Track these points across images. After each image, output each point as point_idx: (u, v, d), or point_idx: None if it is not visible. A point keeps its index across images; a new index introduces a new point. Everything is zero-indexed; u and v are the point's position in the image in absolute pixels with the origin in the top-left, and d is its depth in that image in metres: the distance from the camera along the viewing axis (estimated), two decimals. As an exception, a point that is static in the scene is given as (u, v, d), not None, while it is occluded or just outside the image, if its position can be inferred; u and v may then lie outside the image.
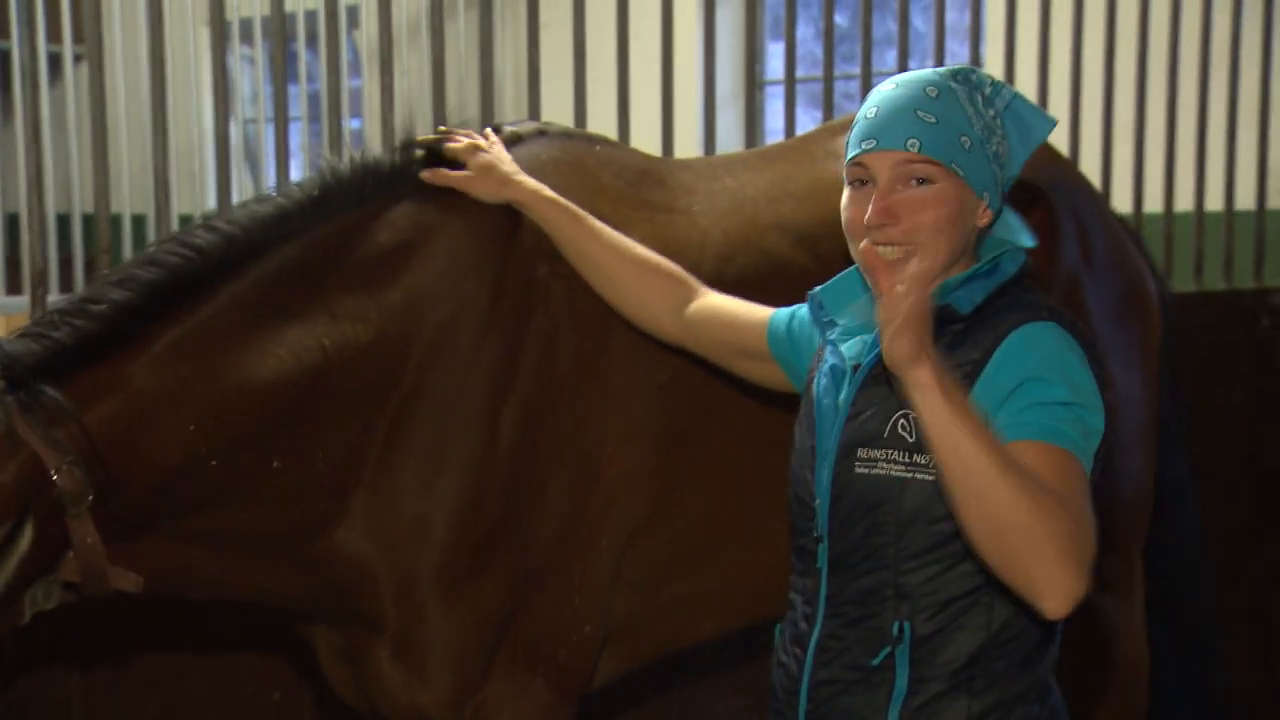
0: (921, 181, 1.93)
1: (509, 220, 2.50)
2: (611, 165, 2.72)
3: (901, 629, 1.92)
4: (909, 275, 1.82)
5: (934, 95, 1.95)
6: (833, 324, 2.10)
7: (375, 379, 2.36)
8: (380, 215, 2.41)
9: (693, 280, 2.43)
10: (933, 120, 1.93)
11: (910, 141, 1.93)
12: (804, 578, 2.06)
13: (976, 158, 1.94)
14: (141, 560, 2.20)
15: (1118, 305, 3.19)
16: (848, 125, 2.11)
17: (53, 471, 2.04)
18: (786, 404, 2.69)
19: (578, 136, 2.80)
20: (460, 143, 2.48)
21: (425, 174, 2.45)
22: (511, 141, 2.61)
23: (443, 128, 2.59)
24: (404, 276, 2.39)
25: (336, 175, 2.41)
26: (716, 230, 2.73)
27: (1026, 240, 2.01)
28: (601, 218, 2.56)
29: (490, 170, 2.45)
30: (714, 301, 2.40)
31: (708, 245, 2.69)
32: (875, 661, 1.94)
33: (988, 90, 1.99)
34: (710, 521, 2.68)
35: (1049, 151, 3.35)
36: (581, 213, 2.46)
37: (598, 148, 2.76)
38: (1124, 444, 3.11)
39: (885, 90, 2.00)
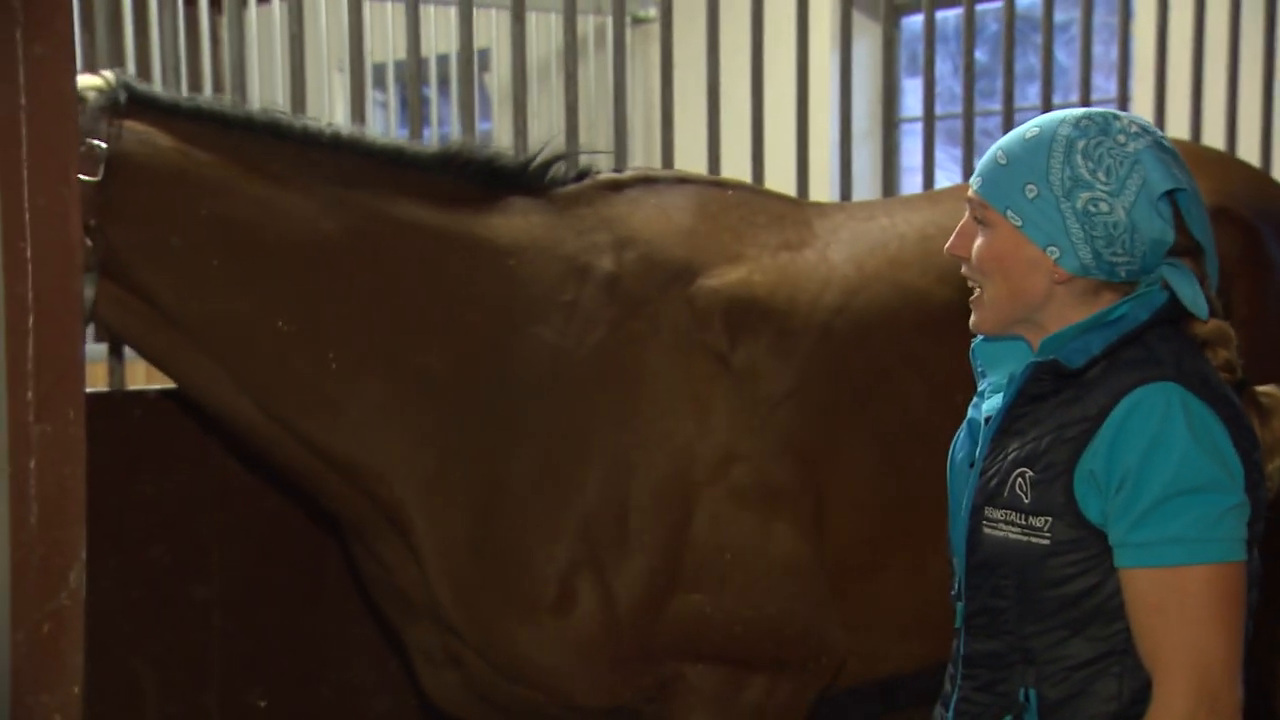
0: (981, 223, 1.92)
1: (584, 251, 2.58)
2: (740, 209, 2.76)
3: (1027, 695, 1.87)
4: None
5: (1030, 137, 1.88)
6: (984, 376, 2.05)
7: (413, 332, 2.48)
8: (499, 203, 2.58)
9: None
10: (1004, 163, 1.89)
11: (977, 180, 1.92)
12: (954, 637, 2.02)
13: (1043, 210, 1.85)
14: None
15: None
16: None
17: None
18: (914, 434, 2.65)
19: (700, 181, 2.85)
20: None
21: None
22: (611, 186, 2.68)
23: None
24: (476, 267, 2.53)
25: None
26: (848, 265, 2.75)
27: (1199, 311, 1.86)
28: (703, 258, 2.64)
29: None
30: None
31: (833, 279, 2.72)
32: None
33: (1125, 141, 1.84)
34: (848, 548, 2.68)
35: (1256, 177, 3.24)
36: None
37: (730, 193, 2.80)
38: None
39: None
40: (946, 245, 1.97)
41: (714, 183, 2.86)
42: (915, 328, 2.73)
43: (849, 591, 2.69)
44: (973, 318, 1.97)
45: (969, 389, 2.15)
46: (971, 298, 1.96)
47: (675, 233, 2.65)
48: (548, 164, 2.66)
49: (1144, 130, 1.87)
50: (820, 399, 2.63)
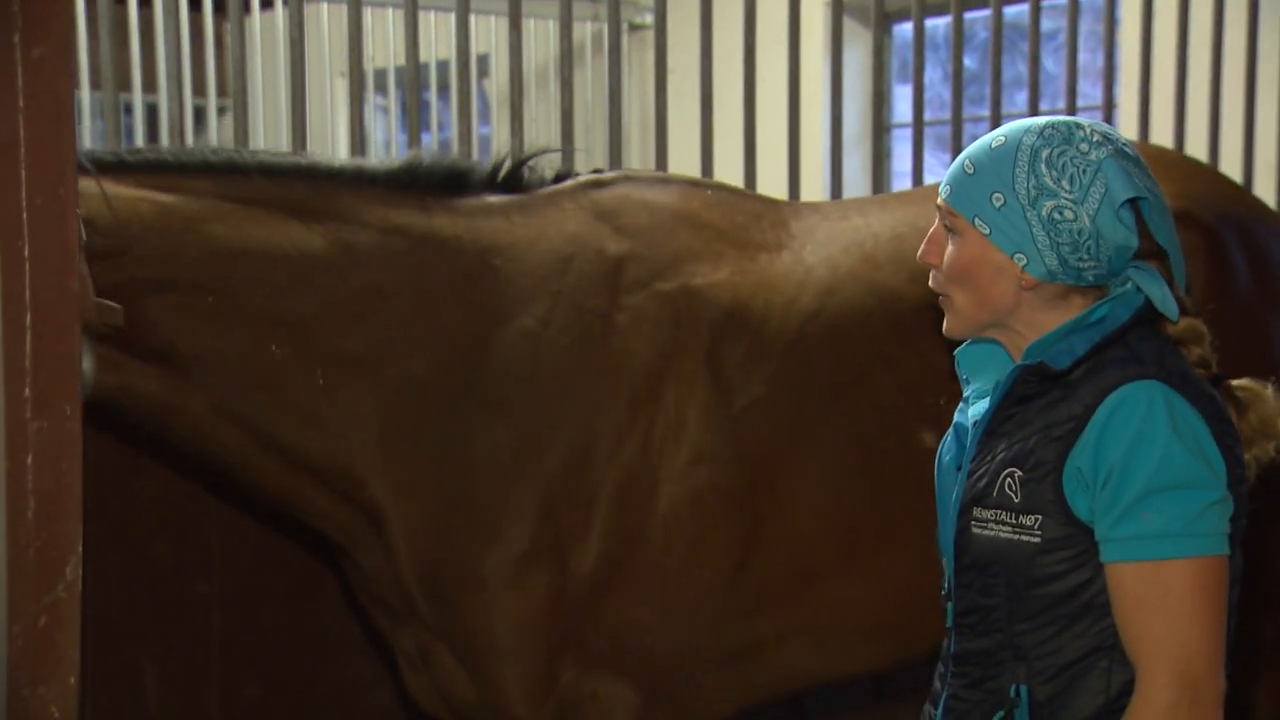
0: (951, 230, 1.95)
1: (571, 245, 2.59)
2: (719, 207, 2.78)
3: (1018, 691, 1.89)
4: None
5: (995, 146, 1.91)
6: (969, 382, 2.08)
7: (401, 338, 2.49)
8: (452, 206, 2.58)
9: None
10: (971, 172, 1.91)
11: (946, 189, 1.94)
12: (944, 637, 2.05)
13: (1009, 218, 1.88)
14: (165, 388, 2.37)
15: None
16: None
17: None
18: (893, 434, 2.68)
19: (680, 181, 2.86)
20: None
21: None
22: (593, 185, 2.70)
23: None
24: (456, 266, 2.53)
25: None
26: (824, 267, 2.77)
27: (1169, 311, 1.90)
28: (688, 255, 2.65)
29: None
30: None
31: (810, 281, 2.74)
32: None
33: (1088, 150, 1.88)
34: (811, 549, 2.68)
35: (1221, 181, 3.24)
36: None
37: (709, 192, 2.82)
38: None
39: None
40: (919, 253, 2.00)
41: (693, 182, 2.88)
42: (889, 328, 2.75)
43: (815, 593, 2.71)
44: (945, 322, 2.00)
45: (941, 389, 2.19)
46: (941, 300, 2.00)
47: (659, 230, 2.68)
48: (522, 164, 2.68)
49: (1106, 138, 1.91)
50: (794, 403, 2.65)
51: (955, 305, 1.97)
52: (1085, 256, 1.88)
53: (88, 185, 2.27)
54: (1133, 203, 1.89)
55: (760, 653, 2.73)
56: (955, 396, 2.12)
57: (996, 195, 1.89)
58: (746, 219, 2.79)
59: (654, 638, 2.59)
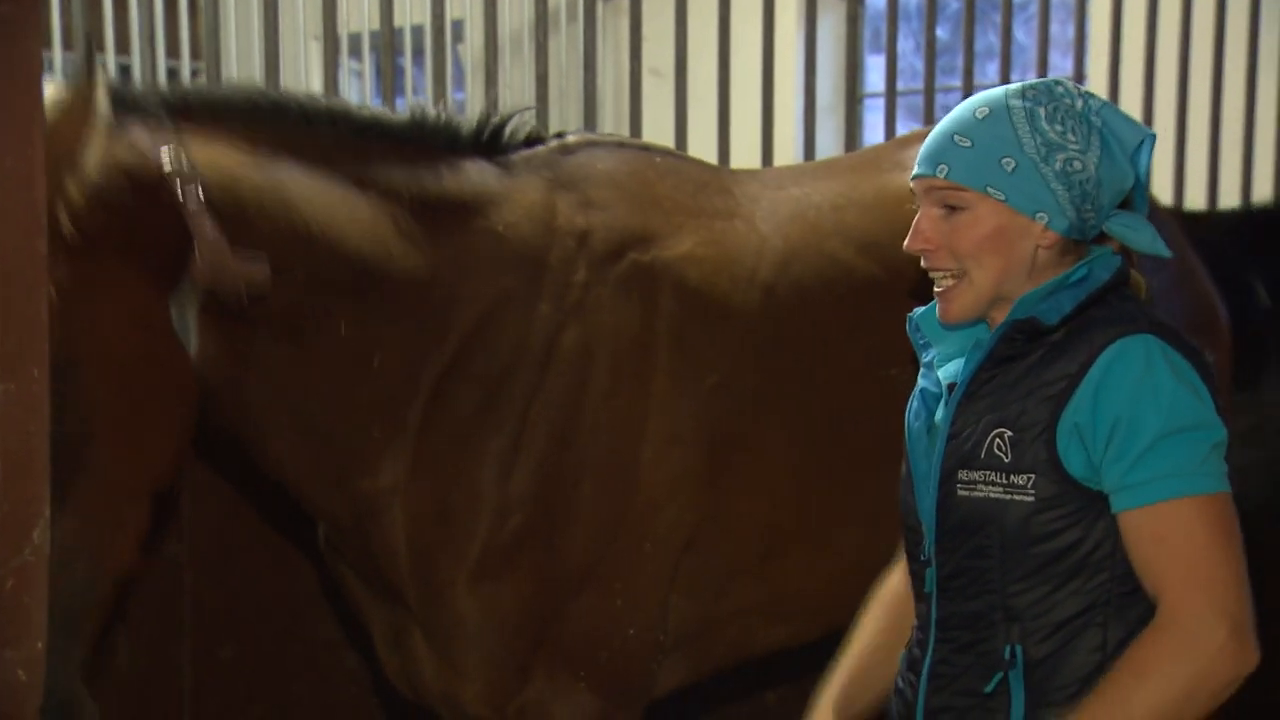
0: (954, 208, 1.92)
1: (552, 215, 2.55)
2: (670, 175, 2.75)
3: (1013, 653, 1.89)
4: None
5: (982, 116, 1.91)
6: (928, 346, 2.08)
7: (424, 309, 2.43)
8: (464, 170, 2.54)
9: (895, 587, 2.24)
10: (968, 144, 1.90)
11: (940, 168, 1.91)
12: (918, 603, 2.05)
13: (1024, 179, 1.88)
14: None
15: (1183, 329, 3.10)
16: (919, 138, 2.06)
17: (165, 158, 2.16)
18: (852, 407, 2.69)
19: (633, 146, 2.83)
20: None
21: None
22: (560, 151, 2.66)
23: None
24: (467, 234, 2.47)
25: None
26: (776, 237, 2.74)
27: (1159, 250, 1.93)
28: (654, 227, 2.62)
29: None
30: None
31: (765, 251, 2.72)
32: (989, 688, 1.91)
33: (1072, 103, 1.91)
34: (772, 526, 2.68)
35: None
36: (838, 671, 2.25)
37: (658, 159, 2.79)
38: None
39: (950, 112, 1.99)
40: (906, 243, 1.96)
41: (643, 147, 2.84)
42: (843, 300, 2.73)
43: (776, 568, 2.70)
44: (944, 308, 1.97)
45: (894, 360, 2.17)
46: (941, 289, 1.96)
47: (625, 201, 2.64)
48: (503, 125, 2.63)
49: (1083, 91, 1.94)
50: (760, 378, 2.63)
51: (974, 281, 1.93)
52: (1090, 207, 1.90)
53: (168, 137, 2.19)
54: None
55: (717, 630, 2.72)
56: (908, 366, 2.12)
57: (1006, 160, 1.89)
58: (695, 186, 2.76)
59: (623, 633, 2.56)
